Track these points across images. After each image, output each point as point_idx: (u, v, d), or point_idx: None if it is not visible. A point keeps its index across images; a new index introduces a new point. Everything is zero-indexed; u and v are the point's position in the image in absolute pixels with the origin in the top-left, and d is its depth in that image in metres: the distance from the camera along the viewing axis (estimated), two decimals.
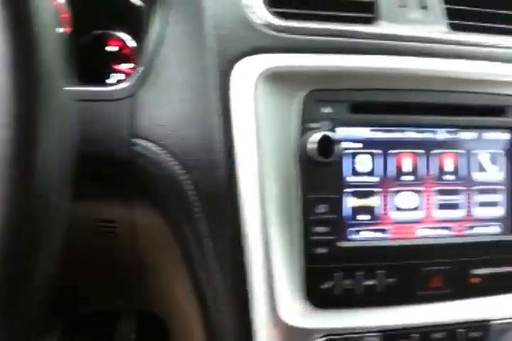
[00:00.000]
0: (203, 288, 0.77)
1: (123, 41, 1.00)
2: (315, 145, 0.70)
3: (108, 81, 1.00)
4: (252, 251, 0.72)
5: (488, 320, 0.82)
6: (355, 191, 0.76)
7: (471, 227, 0.81)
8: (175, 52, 0.75)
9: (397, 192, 0.78)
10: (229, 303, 0.75)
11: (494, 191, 0.82)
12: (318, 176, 0.74)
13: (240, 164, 0.71)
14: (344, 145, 0.74)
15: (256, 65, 0.71)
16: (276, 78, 0.72)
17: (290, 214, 0.73)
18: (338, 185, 0.75)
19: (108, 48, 1.00)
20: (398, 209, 0.78)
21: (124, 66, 1.00)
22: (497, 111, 0.82)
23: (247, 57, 0.72)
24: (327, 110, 0.74)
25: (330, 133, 0.71)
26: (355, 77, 0.75)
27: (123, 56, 1.00)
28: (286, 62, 0.72)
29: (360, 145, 0.76)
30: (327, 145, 0.71)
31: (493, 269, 0.81)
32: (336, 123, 0.74)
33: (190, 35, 0.75)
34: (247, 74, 0.71)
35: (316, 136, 0.71)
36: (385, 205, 0.77)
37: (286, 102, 0.73)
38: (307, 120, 0.73)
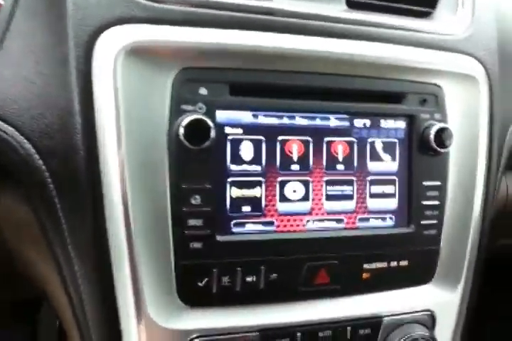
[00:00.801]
0: (67, 284, 0.70)
1: None
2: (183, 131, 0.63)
3: None
4: (114, 245, 0.65)
5: (378, 316, 0.79)
6: (235, 181, 0.70)
7: (364, 219, 0.77)
8: (29, 19, 0.66)
9: (284, 182, 0.72)
10: (93, 302, 0.68)
11: (388, 182, 0.77)
12: (192, 164, 0.67)
13: (101, 148, 0.64)
14: (222, 130, 0.68)
15: (120, 37, 0.63)
16: (142, 52, 0.63)
17: (159, 204, 0.66)
18: (216, 173, 0.68)
19: None
20: (285, 200, 0.72)
21: None
22: (395, 98, 0.77)
23: (112, 28, 0.63)
24: (203, 91, 0.66)
25: (203, 117, 0.64)
26: (235, 55, 0.67)
27: None
28: (154, 35, 0.64)
29: (240, 130, 0.69)
30: (200, 130, 0.64)
31: (385, 264, 0.78)
32: (212, 105, 0.67)
33: (47, 1, 0.65)
34: (108, 47, 0.62)
35: (187, 120, 0.64)
36: (271, 196, 0.72)
37: (156, 81, 0.65)
38: (181, 101, 0.66)
